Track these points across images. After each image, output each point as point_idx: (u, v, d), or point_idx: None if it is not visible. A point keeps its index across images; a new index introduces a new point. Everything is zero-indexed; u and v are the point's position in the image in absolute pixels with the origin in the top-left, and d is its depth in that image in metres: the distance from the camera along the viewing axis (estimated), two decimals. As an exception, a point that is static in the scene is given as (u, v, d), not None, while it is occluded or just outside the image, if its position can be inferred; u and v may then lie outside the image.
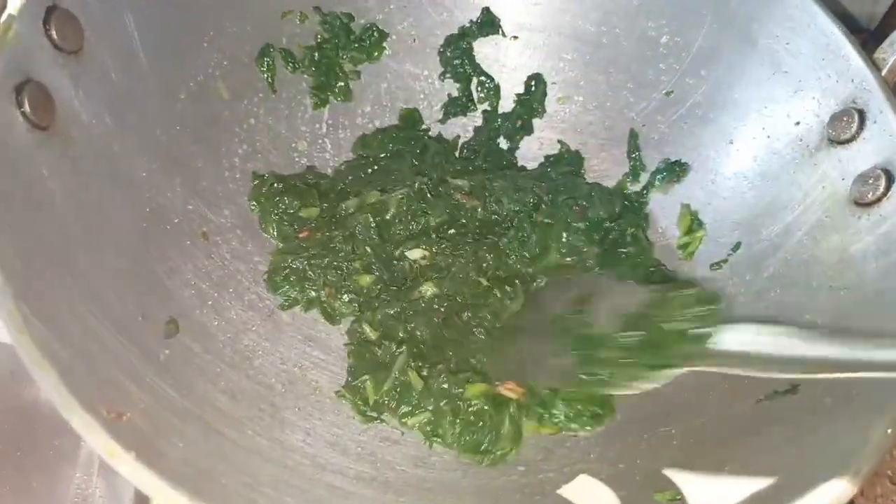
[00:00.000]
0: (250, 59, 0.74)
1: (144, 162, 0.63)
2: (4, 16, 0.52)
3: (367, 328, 0.65)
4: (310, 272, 0.68)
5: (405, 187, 0.70)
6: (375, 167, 0.76)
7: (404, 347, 0.63)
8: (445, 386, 0.61)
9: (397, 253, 0.68)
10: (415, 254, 0.68)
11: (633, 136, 0.78)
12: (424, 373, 0.62)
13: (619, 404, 0.65)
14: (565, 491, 0.57)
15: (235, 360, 0.62)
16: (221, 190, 0.70)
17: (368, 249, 0.68)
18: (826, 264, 0.62)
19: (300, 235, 0.70)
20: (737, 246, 0.70)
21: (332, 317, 0.68)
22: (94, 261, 0.54)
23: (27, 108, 0.51)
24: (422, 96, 0.82)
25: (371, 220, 0.69)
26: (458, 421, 0.60)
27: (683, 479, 0.54)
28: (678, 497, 0.53)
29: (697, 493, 0.52)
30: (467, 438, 0.60)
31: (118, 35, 0.61)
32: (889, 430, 0.48)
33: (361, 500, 0.54)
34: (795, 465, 0.50)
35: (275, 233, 0.71)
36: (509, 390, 0.61)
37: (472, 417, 0.60)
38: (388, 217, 0.70)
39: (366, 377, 0.62)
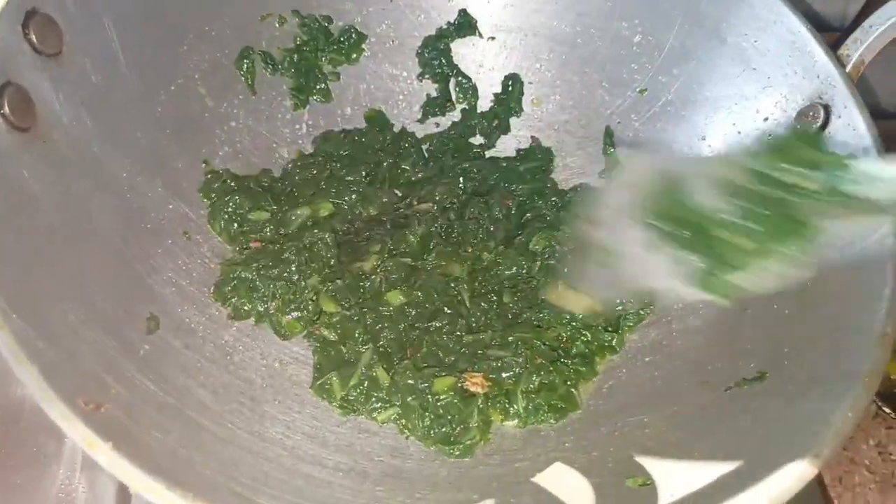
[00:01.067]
0: (230, 61, 0.75)
1: (126, 163, 0.64)
2: (-17, 20, 0.53)
3: (325, 332, 0.66)
4: (259, 284, 0.67)
5: (378, 243, 0.70)
6: (327, 173, 0.76)
7: (370, 345, 0.64)
8: (411, 381, 0.62)
9: (356, 267, 0.69)
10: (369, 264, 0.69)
11: (609, 133, 0.80)
12: (391, 369, 0.63)
13: (595, 394, 0.66)
14: (540, 479, 0.58)
15: (216, 355, 0.63)
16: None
17: (327, 264, 0.69)
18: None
19: (251, 245, 0.70)
20: None
21: (280, 333, 0.68)
22: (75, 259, 0.55)
23: (6, 110, 0.53)
24: (401, 97, 0.83)
25: (328, 239, 0.69)
26: (427, 414, 0.61)
27: (654, 465, 0.55)
28: (648, 482, 0.54)
29: (667, 478, 0.54)
30: (436, 431, 0.61)
31: (97, 38, 0.62)
32: (850, 414, 0.49)
33: (340, 490, 0.55)
34: (761, 448, 0.52)
35: (220, 230, 0.70)
36: (475, 384, 0.62)
37: (440, 411, 0.61)
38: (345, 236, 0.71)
39: (332, 374, 0.63)
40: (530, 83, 0.82)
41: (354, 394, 0.62)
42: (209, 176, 0.72)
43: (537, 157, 0.80)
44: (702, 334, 0.66)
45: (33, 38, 0.56)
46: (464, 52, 0.83)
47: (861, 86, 0.65)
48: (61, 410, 0.42)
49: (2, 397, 0.68)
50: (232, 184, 0.71)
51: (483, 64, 0.83)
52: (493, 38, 0.82)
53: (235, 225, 0.70)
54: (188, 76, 0.71)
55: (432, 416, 0.61)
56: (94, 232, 0.59)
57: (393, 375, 0.63)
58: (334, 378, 0.63)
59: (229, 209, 0.70)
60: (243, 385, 0.62)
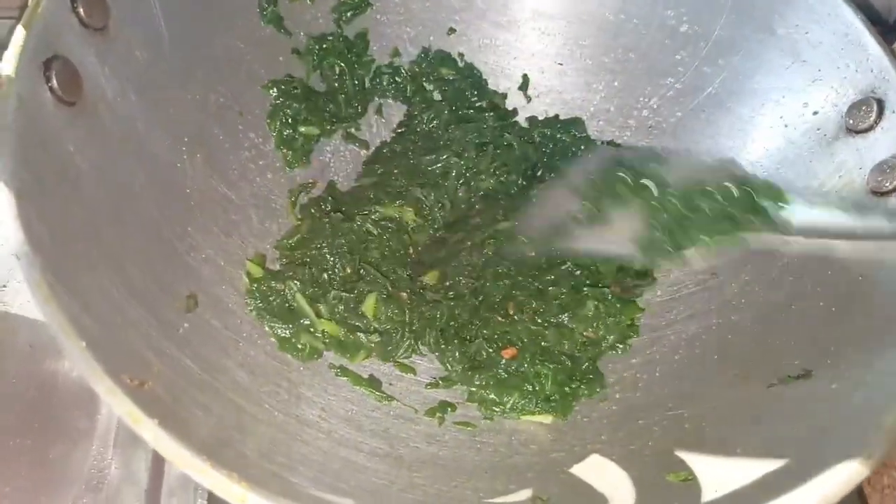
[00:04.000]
0: (274, 42, 0.75)
1: (167, 140, 0.64)
2: (34, -8, 0.53)
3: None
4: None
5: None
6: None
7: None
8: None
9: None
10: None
11: None
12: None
13: (632, 386, 0.66)
14: (577, 470, 0.57)
15: (253, 335, 0.63)
16: (240, 169, 0.71)
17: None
18: (842, 253, 0.62)
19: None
20: None
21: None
22: (118, 235, 0.55)
23: (55, 83, 0.52)
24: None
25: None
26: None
27: (695, 460, 0.55)
28: (690, 477, 0.53)
29: (709, 474, 0.53)
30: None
31: (143, 14, 0.62)
32: (903, 416, 0.48)
33: (375, 475, 0.55)
34: (807, 447, 0.51)
35: (275, 130, 0.73)
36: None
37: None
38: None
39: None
40: (571, 71, 0.81)
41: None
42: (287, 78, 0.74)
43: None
44: (743, 329, 0.65)
45: (81, 11, 0.55)
46: (505, 37, 0.82)
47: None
48: (108, 385, 0.42)
49: (34, 373, 0.69)
50: (299, 92, 0.72)
51: (521, 51, 0.82)
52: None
53: (289, 130, 0.72)
54: (228, 55, 0.71)
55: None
56: (136, 208, 0.59)
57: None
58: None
59: (289, 114, 0.72)
60: (280, 366, 0.62)
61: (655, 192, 0.65)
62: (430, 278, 0.68)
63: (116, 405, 0.42)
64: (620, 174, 0.68)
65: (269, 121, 0.73)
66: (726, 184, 0.63)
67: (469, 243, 0.71)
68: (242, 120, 0.72)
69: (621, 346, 0.68)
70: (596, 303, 0.66)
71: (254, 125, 0.73)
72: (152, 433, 0.42)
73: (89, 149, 0.55)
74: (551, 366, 0.63)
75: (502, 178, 0.75)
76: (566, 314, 0.66)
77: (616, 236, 0.65)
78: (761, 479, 0.49)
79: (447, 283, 0.68)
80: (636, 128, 0.80)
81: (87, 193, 0.54)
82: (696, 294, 0.71)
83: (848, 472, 0.46)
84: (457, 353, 0.65)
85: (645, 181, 0.66)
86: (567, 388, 0.63)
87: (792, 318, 0.62)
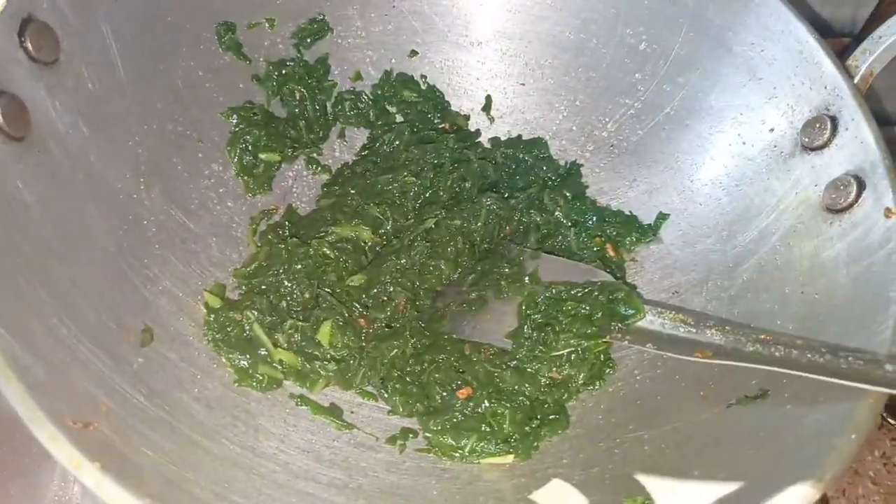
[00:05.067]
0: (229, 64, 0.74)
1: (122, 171, 0.64)
2: (-23, 29, 0.52)
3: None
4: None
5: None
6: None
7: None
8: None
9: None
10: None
11: None
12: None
13: (594, 409, 0.65)
14: (537, 496, 0.57)
15: (211, 367, 0.62)
16: (200, 198, 0.71)
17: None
18: (799, 270, 0.63)
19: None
20: None
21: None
22: (68, 271, 0.55)
23: (1, 119, 0.52)
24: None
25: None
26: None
27: (653, 484, 0.55)
28: (647, 501, 0.53)
29: (667, 498, 0.53)
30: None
31: (95, 45, 0.62)
32: (853, 436, 0.48)
33: (334, 507, 0.55)
34: (762, 469, 0.51)
35: (235, 158, 0.73)
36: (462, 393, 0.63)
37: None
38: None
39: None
40: (533, 91, 0.81)
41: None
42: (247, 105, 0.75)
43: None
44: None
45: (29, 46, 0.55)
46: (465, 58, 0.82)
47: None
48: (49, 431, 0.42)
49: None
50: (259, 118, 0.73)
51: (483, 72, 0.82)
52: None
53: (250, 157, 0.73)
54: (187, 83, 0.70)
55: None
56: (88, 243, 0.58)
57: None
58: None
59: (248, 141, 0.72)
60: (238, 398, 0.61)
61: (531, 291, 0.67)
62: (355, 281, 0.67)
63: (57, 451, 0.42)
64: (505, 269, 0.70)
65: (229, 148, 0.73)
66: (592, 289, 0.66)
67: (398, 245, 0.70)
68: (202, 148, 0.72)
69: (598, 382, 0.67)
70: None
71: (213, 153, 0.73)
72: (93, 478, 0.41)
73: (39, 184, 0.55)
74: (508, 405, 0.62)
75: (457, 188, 0.75)
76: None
77: (494, 326, 0.67)
78: (716, 502, 0.49)
79: (374, 291, 0.67)
80: (598, 146, 0.80)
81: (37, 230, 0.53)
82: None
83: (800, 495, 0.46)
84: (403, 397, 0.64)
85: (525, 280, 0.69)
86: (527, 428, 0.62)
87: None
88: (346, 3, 0.78)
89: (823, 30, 0.66)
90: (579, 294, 0.66)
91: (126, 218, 0.63)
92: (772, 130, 0.69)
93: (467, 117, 0.83)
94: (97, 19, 0.61)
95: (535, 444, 0.62)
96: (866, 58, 0.65)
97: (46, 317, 0.50)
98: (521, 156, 0.79)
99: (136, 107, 0.66)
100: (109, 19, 0.62)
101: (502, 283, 0.68)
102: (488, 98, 0.83)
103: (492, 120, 0.83)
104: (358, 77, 0.81)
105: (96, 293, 0.56)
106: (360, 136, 0.82)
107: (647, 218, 0.76)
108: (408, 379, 0.64)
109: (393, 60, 0.82)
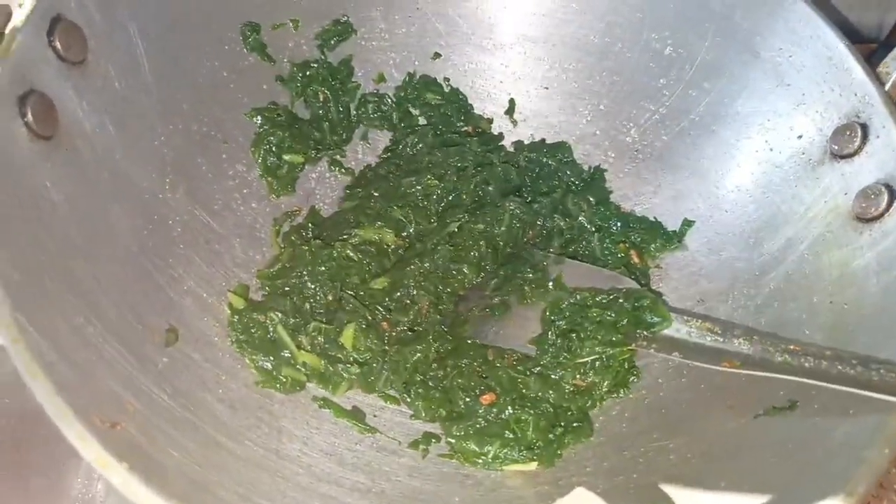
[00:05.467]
0: (254, 67, 0.74)
1: (148, 171, 0.64)
2: (9, 28, 0.53)
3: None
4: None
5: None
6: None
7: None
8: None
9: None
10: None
11: None
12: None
13: (618, 417, 0.65)
14: (561, 504, 0.57)
15: (235, 368, 0.62)
16: (224, 199, 0.71)
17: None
18: (827, 279, 0.62)
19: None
20: None
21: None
22: (94, 270, 0.55)
23: (30, 118, 0.52)
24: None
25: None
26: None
27: (679, 494, 0.54)
28: (673, 512, 0.52)
29: (692, 509, 0.52)
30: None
31: (122, 46, 0.62)
32: (887, 451, 0.47)
33: (357, 511, 0.54)
34: (790, 481, 0.50)
35: (259, 159, 0.73)
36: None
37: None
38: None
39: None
40: (557, 94, 0.81)
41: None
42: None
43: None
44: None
45: (58, 45, 0.55)
46: (489, 61, 0.82)
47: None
48: (76, 429, 0.42)
49: (20, 401, 0.68)
50: (283, 119, 0.72)
51: (507, 75, 0.82)
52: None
53: (273, 158, 0.72)
54: (211, 83, 0.70)
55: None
56: (113, 242, 0.58)
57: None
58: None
59: (273, 142, 0.72)
60: (262, 399, 0.61)
61: (555, 297, 0.67)
62: (378, 284, 0.66)
63: (85, 450, 0.42)
64: (528, 274, 0.69)
65: (253, 149, 0.73)
66: (617, 296, 0.65)
67: (421, 249, 0.69)
68: (226, 149, 0.72)
69: (622, 389, 0.66)
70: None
71: (238, 154, 0.73)
72: (121, 478, 0.41)
73: (66, 183, 0.55)
74: (532, 412, 0.61)
75: (480, 192, 0.74)
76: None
77: (517, 332, 0.66)
78: (744, 514, 0.49)
79: (397, 294, 0.66)
80: (622, 151, 0.79)
81: (64, 229, 0.53)
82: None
83: (831, 510, 0.45)
84: (426, 402, 0.63)
85: (549, 285, 0.68)
86: (551, 436, 0.61)
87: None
88: (370, 5, 0.78)
89: (850, 34, 0.65)
90: (604, 301, 0.65)
91: (151, 218, 0.63)
92: (800, 137, 0.68)
93: (490, 120, 0.83)
94: (123, 18, 0.61)
95: (559, 451, 0.61)
96: (898, 65, 0.65)
97: (72, 316, 0.50)
98: (544, 160, 0.79)
99: (162, 106, 0.66)
100: (135, 18, 0.62)
101: (526, 288, 0.68)
102: (511, 101, 0.82)
103: (515, 123, 0.83)
104: (381, 79, 0.81)
105: (120, 292, 0.56)
106: (383, 138, 0.82)
107: (673, 224, 0.75)
108: (430, 383, 0.64)
109: (416, 63, 0.81)
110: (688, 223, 0.74)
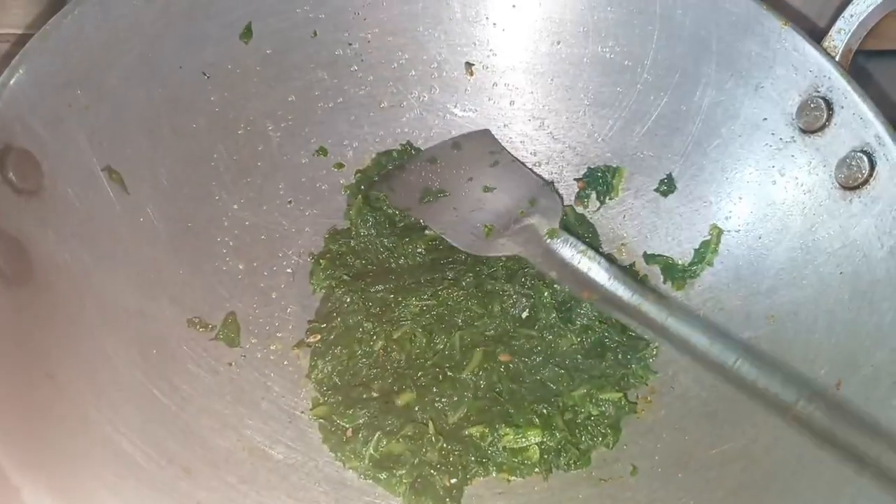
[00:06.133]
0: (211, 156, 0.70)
1: (128, 288, 0.59)
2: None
3: None
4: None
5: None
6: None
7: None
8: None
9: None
10: None
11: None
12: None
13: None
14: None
15: (273, 480, 0.58)
16: (212, 296, 0.66)
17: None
18: (830, 252, 0.63)
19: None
20: None
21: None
22: (106, 415, 0.49)
23: (1, 265, 0.47)
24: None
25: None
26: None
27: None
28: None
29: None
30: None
31: (75, 161, 0.57)
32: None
33: None
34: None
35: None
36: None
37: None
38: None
39: None
40: (522, 118, 0.81)
41: None
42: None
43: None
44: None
45: (12, 177, 0.50)
46: (444, 99, 0.80)
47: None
48: None
49: None
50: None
51: (467, 107, 0.81)
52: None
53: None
54: (172, 181, 0.65)
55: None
56: (116, 378, 0.53)
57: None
58: None
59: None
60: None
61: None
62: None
63: None
64: None
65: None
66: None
67: None
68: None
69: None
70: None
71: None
72: None
73: (52, 323, 0.50)
74: None
75: None
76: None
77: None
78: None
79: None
80: (595, 161, 0.79)
81: (64, 377, 0.48)
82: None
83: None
84: None
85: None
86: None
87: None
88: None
89: (797, 18, 0.67)
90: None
91: (143, 337, 0.58)
92: (765, 120, 0.70)
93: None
94: (72, 131, 0.56)
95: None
96: (842, 37, 0.67)
97: (104, 476, 0.45)
98: None
99: (124, 216, 0.60)
100: (83, 127, 0.57)
101: None
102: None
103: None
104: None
105: (140, 433, 0.51)
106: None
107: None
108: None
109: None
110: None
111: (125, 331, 0.56)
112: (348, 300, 0.67)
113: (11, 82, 0.51)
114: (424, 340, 0.65)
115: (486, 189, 0.77)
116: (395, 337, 0.65)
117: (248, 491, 0.56)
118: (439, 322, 0.67)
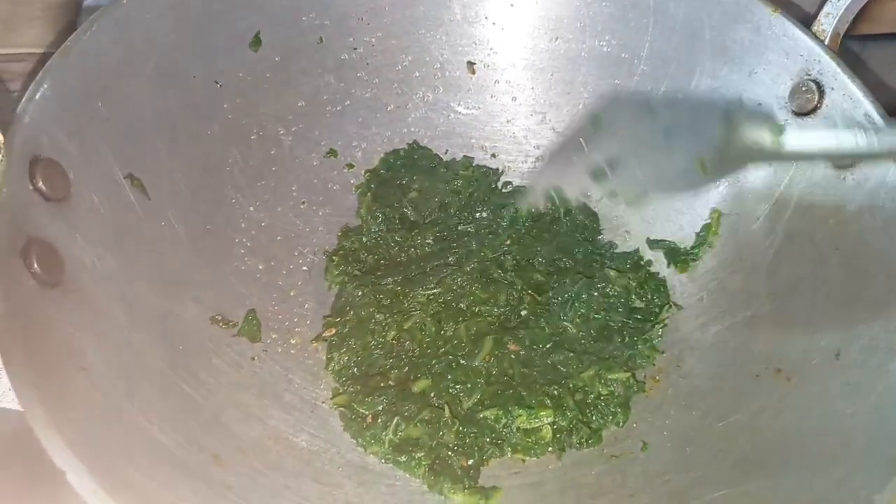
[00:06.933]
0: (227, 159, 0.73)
1: (152, 289, 0.61)
2: (-7, 182, 0.49)
3: None
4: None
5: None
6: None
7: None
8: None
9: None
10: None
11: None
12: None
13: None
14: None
15: (297, 466, 0.60)
16: (233, 294, 0.69)
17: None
18: (827, 228, 0.65)
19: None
20: None
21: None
22: (137, 406, 0.52)
23: (37, 268, 0.50)
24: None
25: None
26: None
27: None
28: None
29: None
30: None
31: (100, 170, 0.59)
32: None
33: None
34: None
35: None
36: None
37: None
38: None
39: None
40: (524, 114, 0.83)
41: None
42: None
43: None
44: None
45: (42, 186, 0.53)
46: (448, 98, 0.83)
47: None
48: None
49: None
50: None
51: (470, 104, 0.83)
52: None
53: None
54: (190, 186, 0.68)
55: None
56: (145, 372, 0.56)
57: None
58: None
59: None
60: (334, 490, 0.59)
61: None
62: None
63: None
64: None
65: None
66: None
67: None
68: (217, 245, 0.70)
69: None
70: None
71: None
72: None
73: (85, 324, 0.52)
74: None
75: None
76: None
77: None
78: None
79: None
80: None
81: (97, 372, 0.51)
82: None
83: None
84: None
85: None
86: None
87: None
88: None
89: (787, 4, 0.69)
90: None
91: (169, 335, 0.61)
92: (760, 104, 0.72)
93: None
94: (95, 141, 0.59)
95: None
96: (830, 21, 0.69)
97: (139, 461, 0.48)
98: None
99: (149, 222, 0.63)
100: (106, 138, 0.60)
101: None
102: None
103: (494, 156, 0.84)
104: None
105: (170, 422, 0.54)
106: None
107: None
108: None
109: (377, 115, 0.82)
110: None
111: (152, 329, 0.59)
112: (360, 294, 0.69)
113: (37, 97, 0.54)
114: (433, 328, 0.68)
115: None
116: (406, 327, 0.67)
117: (275, 476, 0.58)
118: (447, 309, 0.69)
